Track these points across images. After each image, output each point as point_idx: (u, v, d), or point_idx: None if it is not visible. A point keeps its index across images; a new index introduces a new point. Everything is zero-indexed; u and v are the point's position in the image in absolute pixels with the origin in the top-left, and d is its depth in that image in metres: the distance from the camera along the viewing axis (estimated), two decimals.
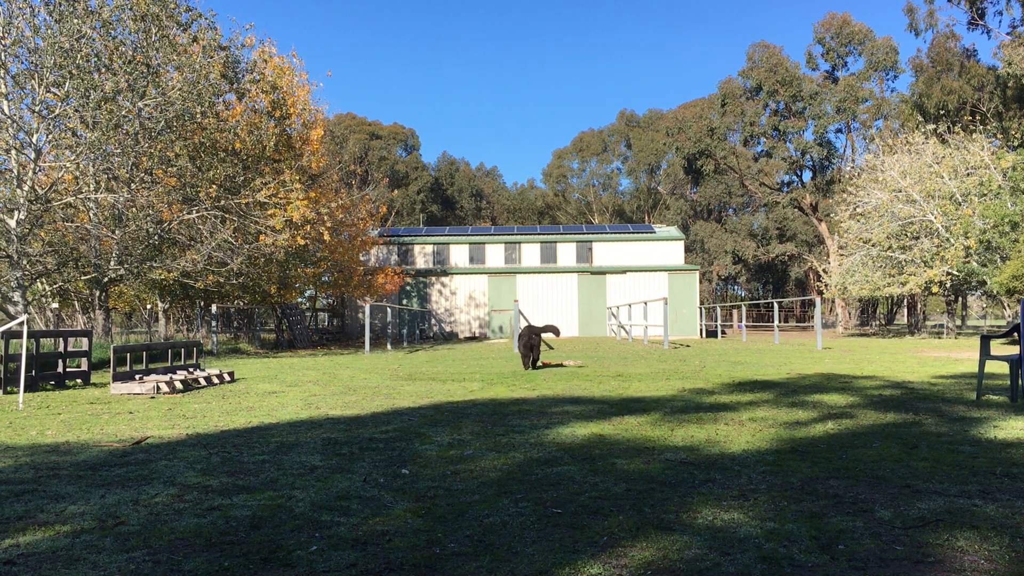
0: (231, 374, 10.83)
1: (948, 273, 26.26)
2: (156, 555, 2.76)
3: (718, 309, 33.86)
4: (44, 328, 17.86)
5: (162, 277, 18.05)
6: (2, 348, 8.96)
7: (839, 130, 49.91)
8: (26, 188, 15.09)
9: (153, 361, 11.27)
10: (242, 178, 18.85)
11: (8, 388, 8.94)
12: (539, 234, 36.40)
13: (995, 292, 24.67)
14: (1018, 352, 7.12)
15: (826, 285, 32.85)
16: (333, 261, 25.78)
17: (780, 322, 42.91)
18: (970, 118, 34.26)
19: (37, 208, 15.28)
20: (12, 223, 14.83)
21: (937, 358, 14.46)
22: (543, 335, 12.80)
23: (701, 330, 32.80)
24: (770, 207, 54.18)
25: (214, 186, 17.81)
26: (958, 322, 48.79)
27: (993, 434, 5.22)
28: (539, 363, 13.01)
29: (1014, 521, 3.09)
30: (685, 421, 6.00)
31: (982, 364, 7.46)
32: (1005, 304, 31.04)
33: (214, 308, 20.11)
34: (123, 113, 15.61)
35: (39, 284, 17.60)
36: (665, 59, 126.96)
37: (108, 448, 5.04)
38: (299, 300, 29.67)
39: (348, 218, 27.30)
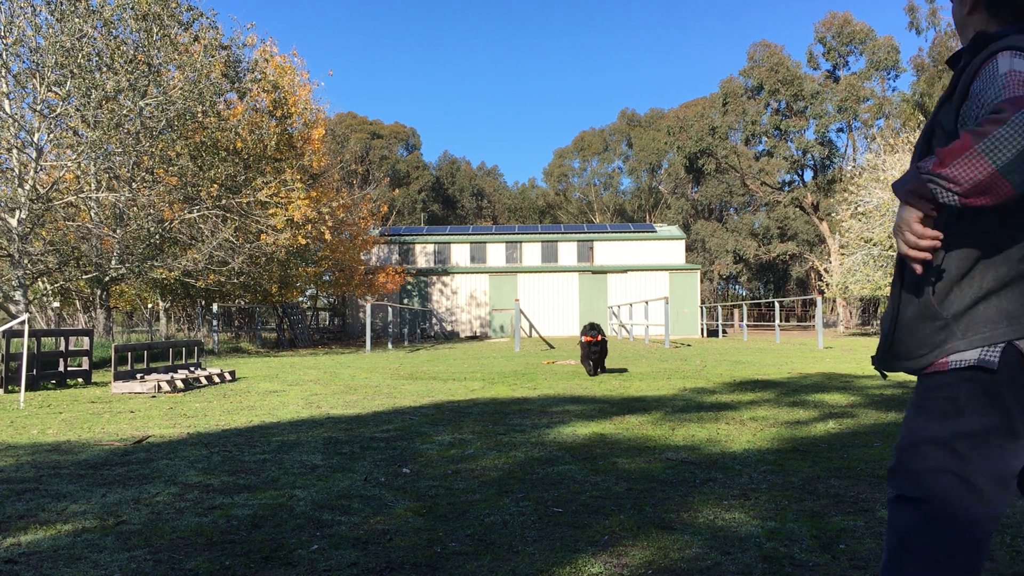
0: (232, 373, 10.83)
1: None
2: (157, 554, 2.77)
3: (719, 308, 33.85)
4: (45, 327, 17.88)
5: (163, 276, 18.06)
6: (3, 347, 8.97)
7: (840, 129, 49.92)
8: (27, 187, 15.10)
9: (154, 360, 11.28)
10: (243, 177, 18.86)
11: (9, 387, 8.95)
12: (540, 233, 36.40)
13: None
14: None
15: (827, 284, 32.85)
16: (334, 260, 25.79)
17: (781, 321, 42.93)
18: None
19: (38, 207, 15.29)
20: (13, 222, 14.85)
21: None
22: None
23: (702, 329, 32.80)
24: (771, 206, 54.22)
25: (215, 185, 17.82)
26: None
27: None
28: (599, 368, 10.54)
29: (1014, 520, 3.09)
30: (686, 420, 6.00)
31: None
32: None
33: (215, 307, 20.13)
34: (124, 112, 15.63)
35: (40, 283, 17.61)
36: (666, 58, 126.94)
37: (109, 447, 5.05)
38: (300, 299, 29.69)
39: (349, 217, 27.30)
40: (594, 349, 10.11)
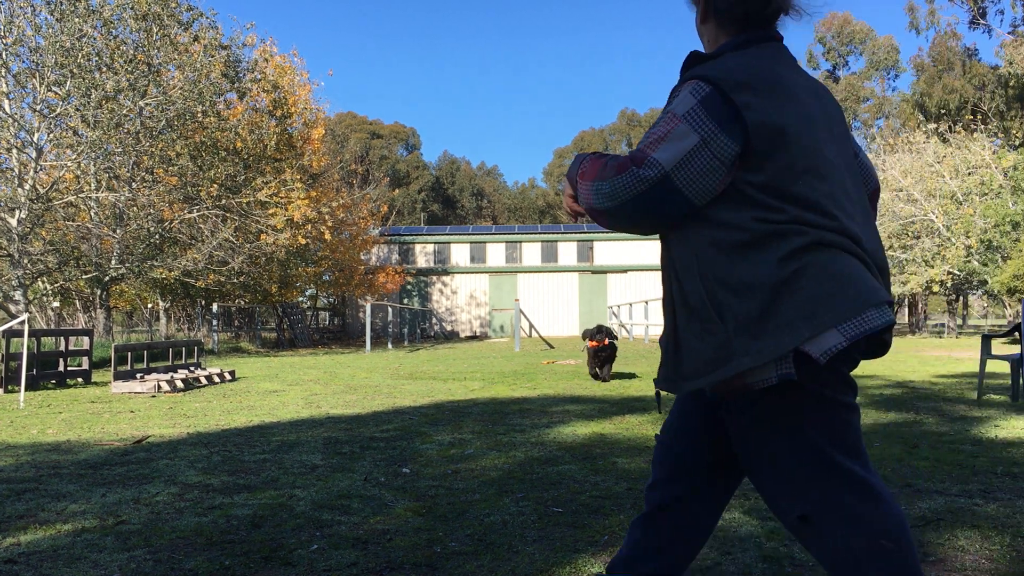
0: (232, 373, 10.83)
1: (949, 272, 26.26)
2: (157, 554, 2.76)
3: None
4: (45, 327, 17.88)
5: (163, 276, 18.06)
6: (3, 347, 8.97)
7: None
8: (27, 187, 15.11)
9: (154, 360, 11.28)
10: (243, 177, 18.86)
11: (9, 387, 8.95)
12: (540, 233, 36.40)
13: (996, 291, 24.67)
14: (1019, 352, 7.11)
15: None
16: (334, 260, 25.79)
17: None
18: (971, 117, 34.27)
19: (38, 207, 15.29)
20: (13, 222, 14.85)
21: (938, 357, 14.46)
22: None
23: None
24: None
25: (215, 185, 17.82)
26: (959, 321, 48.77)
27: (994, 433, 5.22)
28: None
29: (1015, 520, 3.09)
30: None
31: (983, 363, 7.46)
32: (1006, 303, 31.05)
33: (215, 307, 20.13)
34: (124, 112, 15.63)
35: (40, 283, 17.62)
36: (666, 58, 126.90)
37: (109, 447, 5.05)
38: (300, 299, 29.69)
39: (349, 217, 27.31)
40: (601, 355, 9.07)
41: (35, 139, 15.41)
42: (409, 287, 33.91)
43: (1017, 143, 30.32)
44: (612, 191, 1.57)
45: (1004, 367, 10.65)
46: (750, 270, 1.53)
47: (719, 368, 1.56)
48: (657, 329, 28.38)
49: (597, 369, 9.33)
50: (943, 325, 36.91)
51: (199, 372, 10.17)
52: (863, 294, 1.54)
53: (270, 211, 18.85)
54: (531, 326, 30.61)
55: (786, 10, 1.74)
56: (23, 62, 15.30)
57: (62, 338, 10.37)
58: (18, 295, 15.09)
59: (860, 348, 1.62)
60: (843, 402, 1.60)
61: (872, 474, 1.61)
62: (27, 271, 15.45)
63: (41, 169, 15.91)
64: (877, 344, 1.67)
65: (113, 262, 16.81)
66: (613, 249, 34.73)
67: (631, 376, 10.38)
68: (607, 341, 9.08)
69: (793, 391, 1.56)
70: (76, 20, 14.93)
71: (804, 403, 1.57)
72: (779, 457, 1.61)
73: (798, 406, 1.57)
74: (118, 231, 16.69)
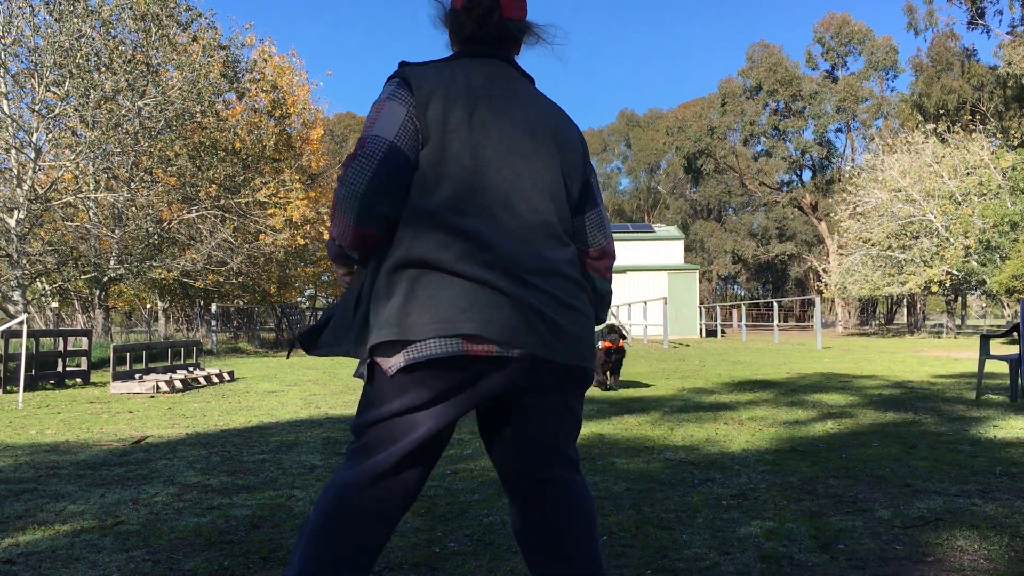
0: (231, 373, 10.83)
1: (948, 273, 26.28)
2: (155, 554, 2.76)
3: (718, 308, 33.87)
4: (44, 327, 17.86)
5: (162, 276, 18.05)
6: (2, 347, 8.96)
7: (839, 129, 49.97)
8: (26, 187, 15.09)
9: (153, 360, 11.27)
10: (242, 177, 18.85)
11: (8, 387, 8.94)
12: None
13: (994, 292, 24.69)
14: (1017, 352, 7.12)
15: (826, 285, 32.87)
16: None
17: (780, 321, 42.93)
18: (970, 117, 34.29)
19: (37, 207, 15.28)
20: (12, 222, 14.83)
21: (937, 357, 14.47)
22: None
23: (701, 329, 32.81)
24: (770, 207, 54.26)
25: (214, 185, 17.81)
26: (958, 322, 48.81)
27: (992, 433, 5.23)
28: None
29: (1013, 520, 3.10)
30: (685, 420, 6.00)
31: (981, 363, 7.47)
32: (1004, 304, 31.08)
33: (214, 307, 20.12)
34: (123, 112, 15.61)
35: (39, 283, 17.60)
36: (666, 59, 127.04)
37: (108, 447, 5.04)
38: (299, 299, 29.67)
39: None
40: (612, 358, 8.33)
41: (34, 139, 15.39)
42: None
43: (1015, 143, 30.35)
44: (350, 189, 1.58)
45: (1003, 367, 10.66)
46: (372, 272, 1.66)
47: (335, 348, 1.70)
48: (656, 329, 28.36)
49: (607, 373, 8.50)
50: (942, 325, 36.93)
51: (198, 372, 10.16)
52: (436, 323, 1.57)
53: (269, 211, 18.85)
54: None
55: (515, 33, 1.82)
56: (22, 62, 15.30)
57: (61, 338, 10.36)
58: (17, 295, 15.08)
59: (477, 379, 1.61)
60: (407, 409, 1.63)
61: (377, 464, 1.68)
62: (26, 271, 15.43)
63: (40, 169, 15.89)
64: (574, 373, 1.70)
65: (112, 262, 16.79)
66: None
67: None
68: (620, 343, 8.31)
69: (369, 386, 1.66)
70: (75, 20, 14.92)
71: (372, 396, 1.65)
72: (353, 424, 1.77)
73: (369, 394, 1.66)
74: (117, 231, 16.68)
